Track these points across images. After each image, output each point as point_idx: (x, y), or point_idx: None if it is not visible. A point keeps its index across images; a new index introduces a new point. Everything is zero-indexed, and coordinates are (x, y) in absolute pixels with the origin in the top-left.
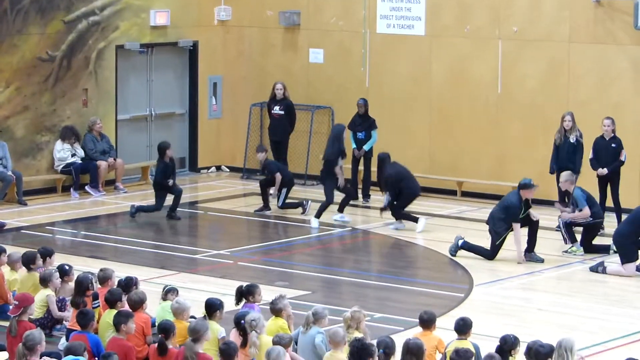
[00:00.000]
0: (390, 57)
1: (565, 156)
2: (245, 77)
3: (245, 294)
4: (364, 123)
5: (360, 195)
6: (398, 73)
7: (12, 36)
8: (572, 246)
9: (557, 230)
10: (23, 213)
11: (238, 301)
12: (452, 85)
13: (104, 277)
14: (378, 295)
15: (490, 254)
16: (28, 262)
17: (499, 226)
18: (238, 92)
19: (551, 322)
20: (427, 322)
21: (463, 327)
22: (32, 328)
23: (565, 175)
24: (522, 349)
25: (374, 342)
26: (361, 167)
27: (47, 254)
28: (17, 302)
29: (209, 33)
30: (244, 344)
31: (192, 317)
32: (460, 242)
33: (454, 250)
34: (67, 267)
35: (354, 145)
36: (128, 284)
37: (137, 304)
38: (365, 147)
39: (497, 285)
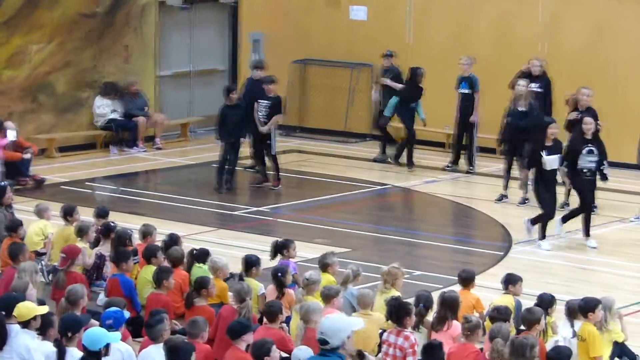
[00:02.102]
0: (433, 14)
1: None
2: (286, 33)
3: (280, 248)
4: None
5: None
6: (441, 31)
7: None
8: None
9: None
10: (63, 169)
11: (273, 256)
12: (495, 43)
13: (145, 232)
14: (417, 252)
15: None
16: (66, 214)
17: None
18: (279, 49)
19: (590, 281)
20: (465, 280)
21: (505, 283)
22: (82, 279)
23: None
24: (559, 307)
25: (411, 300)
26: None
27: (103, 214)
28: (64, 255)
29: None
30: (281, 296)
31: (231, 274)
32: None
33: None
34: (112, 225)
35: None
36: (171, 241)
37: (177, 260)
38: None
39: (536, 243)
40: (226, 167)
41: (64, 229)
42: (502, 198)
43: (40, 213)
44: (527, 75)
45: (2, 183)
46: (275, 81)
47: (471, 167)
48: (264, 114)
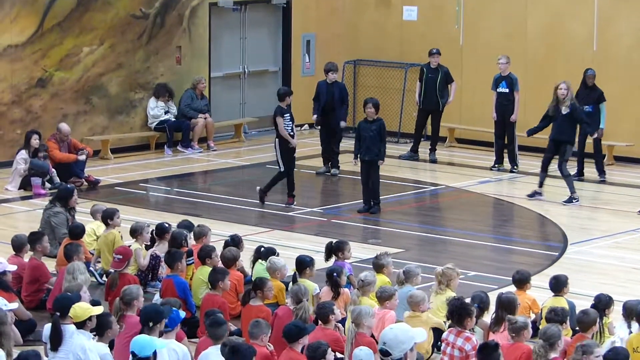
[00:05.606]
0: (484, 14)
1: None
2: (338, 34)
3: (334, 250)
4: (590, 95)
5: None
6: (492, 30)
7: None
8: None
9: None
10: (117, 170)
11: (328, 257)
12: (547, 43)
13: (200, 233)
14: (472, 253)
15: None
16: (106, 217)
17: None
18: (331, 49)
19: None
20: (520, 281)
21: (556, 285)
22: (135, 281)
23: None
24: (616, 307)
25: (467, 300)
26: None
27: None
28: (120, 256)
29: None
30: (336, 297)
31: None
32: None
33: None
34: (166, 225)
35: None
36: (233, 241)
37: (230, 261)
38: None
39: (592, 244)
40: (368, 186)
41: (108, 234)
42: (534, 195)
43: (94, 214)
44: None
45: (70, 186)
46: (291, 93)
47: (515, 167)
48: (291, 128)
